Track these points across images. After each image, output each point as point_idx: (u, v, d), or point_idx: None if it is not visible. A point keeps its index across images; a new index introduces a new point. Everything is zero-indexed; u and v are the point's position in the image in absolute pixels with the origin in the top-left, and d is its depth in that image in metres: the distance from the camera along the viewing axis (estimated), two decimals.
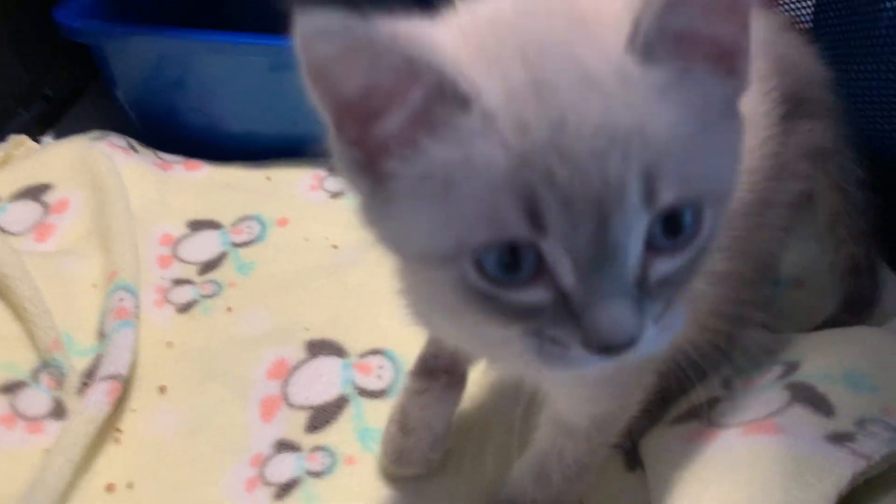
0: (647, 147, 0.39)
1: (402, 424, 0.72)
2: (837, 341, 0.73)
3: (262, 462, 0.74)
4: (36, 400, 0.77)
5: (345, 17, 0.38)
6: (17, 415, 0.75)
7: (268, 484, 0.72)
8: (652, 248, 0.41)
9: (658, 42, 0.40)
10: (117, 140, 1.12)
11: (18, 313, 0.81)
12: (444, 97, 0.40)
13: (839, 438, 0.62)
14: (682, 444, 0.68)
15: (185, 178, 1.15)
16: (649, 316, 0.42)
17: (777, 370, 0.72)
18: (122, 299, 0.85)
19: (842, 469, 0.58)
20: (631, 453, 0.75)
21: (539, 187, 0.39)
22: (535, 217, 0.39)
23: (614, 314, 0.40)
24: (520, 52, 0.41)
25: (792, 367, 0.71)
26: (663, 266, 0.42)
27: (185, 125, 1.22)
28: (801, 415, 0.65)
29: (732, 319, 0.68)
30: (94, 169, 1.03)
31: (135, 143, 1.15)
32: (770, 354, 0.75)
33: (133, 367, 0.81)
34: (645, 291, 0.41)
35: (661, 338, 0.43)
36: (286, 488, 0.72)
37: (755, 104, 0.61)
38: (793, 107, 0.67)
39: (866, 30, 0.94)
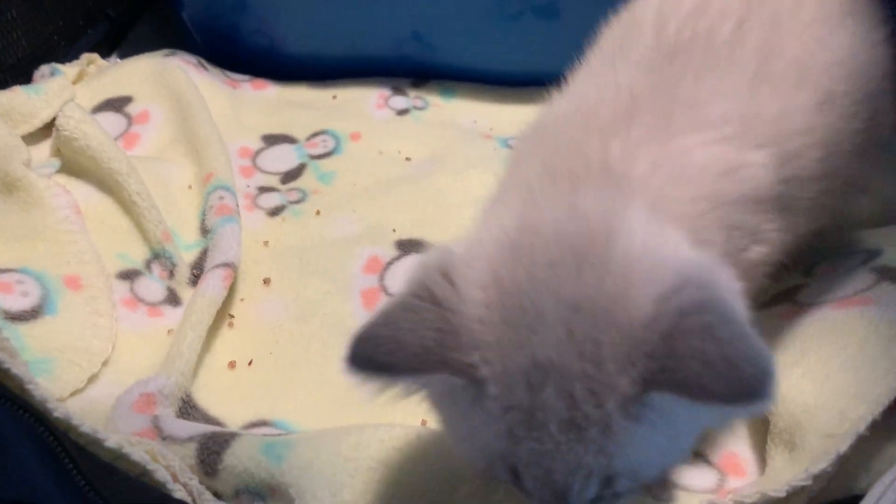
0: (611, 470, 0.45)
1: None
2: None
3: None
4: (151, 287, 0.81)
5: None
6: (137, 298, 0.79)
7: None
8: None
9: (657, 408, 0.44)
10: (188, 57, 1.14)
11: (127, 207, 0.84)
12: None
13: None
14: (773, 321, 0.71)
15: (254, 96, 1.18)
16: None
17: (859, 257, 0.76)
18: (221, 197, 0.88)
19: None
20: None
21: (522, 472, 0.46)
22: (518, 481, 0.47)
23: None
24: (528, 331, 0.45)
25: (873, 254, 0.75)
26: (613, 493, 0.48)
27: (249, 47, 1.24)
28: (890, 290, 0.68)
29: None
30: (171, 82, 1.06)
31: (204, 61, 1.17)
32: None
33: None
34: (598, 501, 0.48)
35: None
36: None
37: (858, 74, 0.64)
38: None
39: None
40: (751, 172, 0.57)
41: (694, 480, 0.64)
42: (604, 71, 0.63)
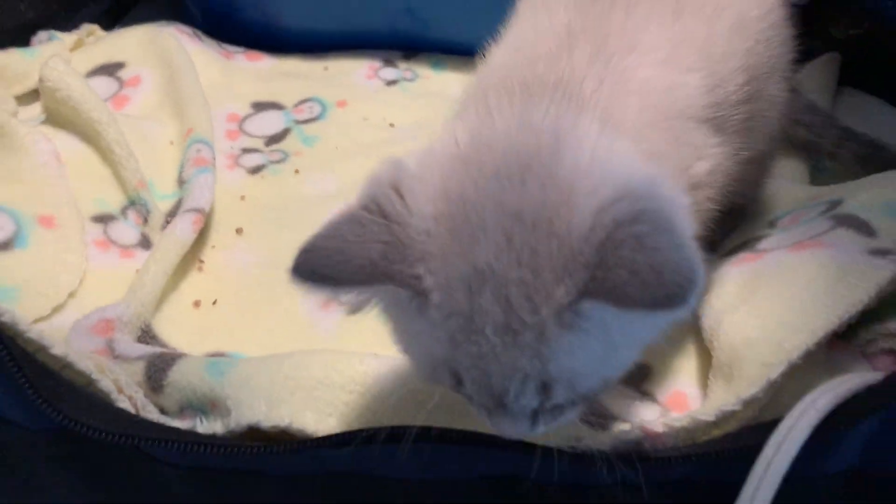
0: (546, 376, 0.47)
1: None
2: (876, 180, 0.77)
3: None
4: (125, 231, 0.83)
5: None
6: (110, 240, 0.81)
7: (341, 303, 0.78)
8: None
9: (589, 316, 0.45)
10: (184, 27, 1.17)
11: (106, 156, 0.87)
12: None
13: (881, 252, 0.65)
14: (729, 268, 0.72)
15: (248, 66, 1.20)
16: (540, 425, 0.51)
17: (820, 207, 0.76)
18: (199, 150, 0.90)
19: (883, 272, 0.62)
20: None
21: (464, 377, 0.48)
22: (460, 386, 0.49)
23: (508, 429, 0.50)
24: (470, 240, 0.46)
25: (834, 204, 0.75)
26: (559, 404, 0.49)
27: (246, 21, 1.26)
28: (844, 235, 0.68)
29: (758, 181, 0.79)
30: (163, 48, 1.08)
31: (199, 32, 1.20)
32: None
33: (211, 209, 0.86)
34: (539, 414, 0.50)
35: (553, 427, 0.52)
36: (357, 308, 0.77)
37: (762, 6, 0.68)
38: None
39: None
40: (687, 91, 0.60)
41: (636, 415, 0.65)
42: (538, 14, 0.65)
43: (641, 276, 0.42)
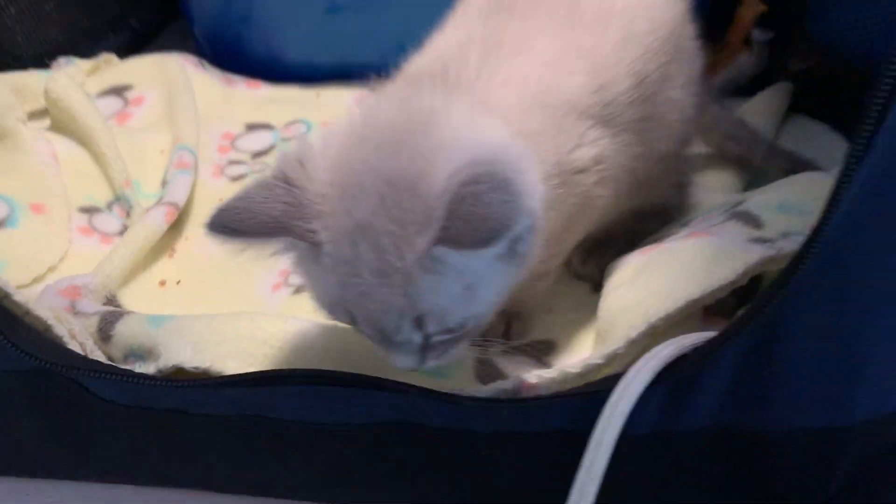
0: (417, 311, 0.56)
1: None
2: (780, 184, 0.83)
3: (287, 274, 0.89)
4: (109, 222, 0.94)
5: None
6: (93, 228, 0.92)
7: (289, 286, 0.87)
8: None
9: (443, 261, 0.55)
10: (190, 57, 1.30)
11: (98, 158, 0.98)
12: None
13: (762, 240, 0.71)
14: (631, 256, 0.79)
15: (247, 93, 1.32)
16: (430, 359, 0.61)
17: (725, 207, 0.83)
18: (182, 156, 1.01)
19: (753, 254, 0.68)
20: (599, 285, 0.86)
21: (355, 314, 0.58)
22: (355, 322, 0.59)
23: (400, 362, 0.61)
24: (353, 200, 0.56)
25: (736, 204, 0.82)
26: (439, 339, 0.60)
27: (251, 56, 1.39)
28: (733, 226, 0.75)
29: (670, 182, 0.88)
30: (166, 72, 1.21)
31: (204, 62, 1.33)
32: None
33: (190, 204, 0.97)
34: (427, 349, 0.60)
35: (442, 362, 0.62)
36: (301, 289, 0.86)
37: (652, 21, 0.77)
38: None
39: None
40: (570, 88, 0.68)
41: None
42: (451, 25, 0.76)
43: (473, 224, 0.52)
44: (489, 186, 0.53)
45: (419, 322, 0.58)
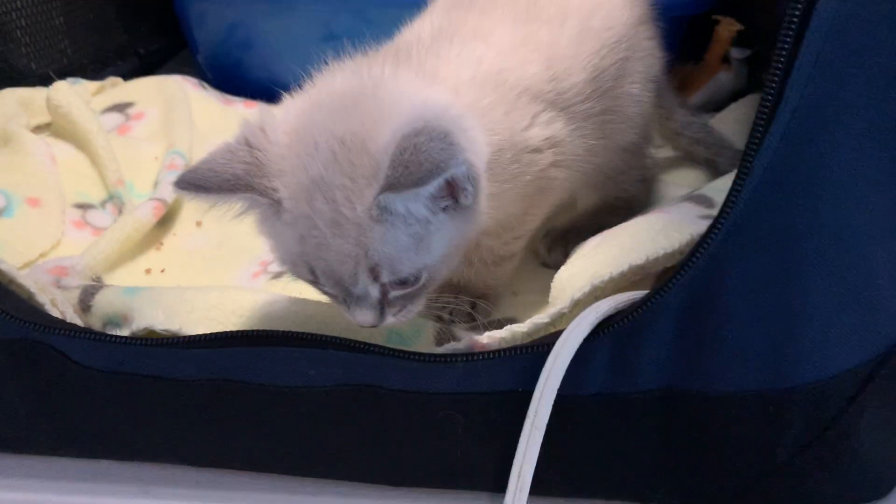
0: (371, 259, 0.61)
1: None
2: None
3: (267, 264, 0.93)
4: (101, 217, 0.99)
5: None
6: (86, 222, 0.97)
7: (268, 273, 0.91)
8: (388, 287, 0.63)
9: (390, 209, 0.60)
10: (191, 78, 1.37)
11: (94, 160, 1.04)
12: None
13: (710, 217, 0.75)
14: (592, 239, 0.82)
15: (244, 111, 1.38)
16: (388, 315, 0.65)
17: (685, 195, 0.87)
18: (173, 159, 1.07)
19: (699, 226, 0.72)
20: None
21: (314, 268, 0.62)
22: (315, 279, 0.64)
23: (360, 317, 0.64)
24: (308, 158, 0.61)
25: (694, 190, 0.86)
26: (396, 294, 0.64)
27: (252, 81, 1.46)
28: (685, 206, 0.79)
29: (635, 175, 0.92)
30: (166, 90, 1.28)
31: (205, 83, 1.40)
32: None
33: (179, 204, 1.02)
34: (385, 305, 0.64)
35: (401, 319, 0.67)
36: (279, 274, 0.90)
37: (607, 19, 0.82)
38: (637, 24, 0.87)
39: None
40: (525, 74, 0.73)
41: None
42: (417, 19, 0.82)
43: (411, 168, 0.56)
44: (428, 137, 0.57)
45: (374, 273, 0.61)
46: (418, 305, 0.67)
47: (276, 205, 0.62)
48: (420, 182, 0.56)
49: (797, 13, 0.52)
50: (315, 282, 0.65)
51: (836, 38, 0.53)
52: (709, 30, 1.39)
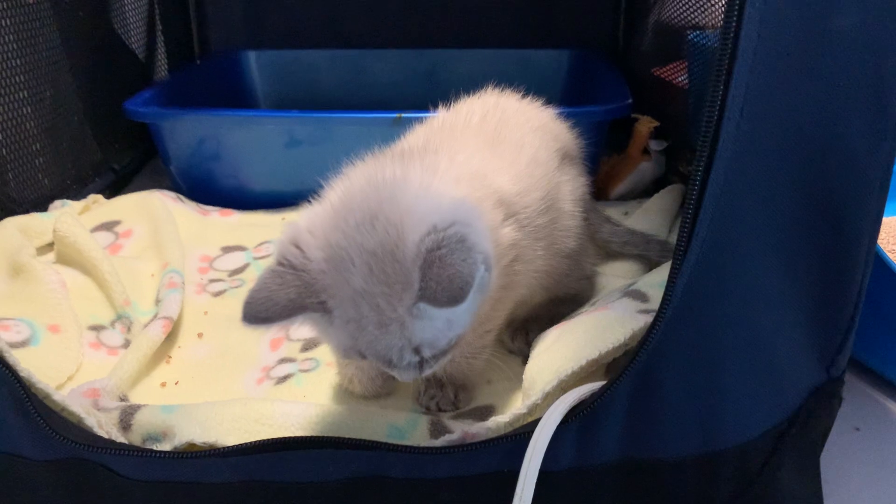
0: (413, 343, 0.74)
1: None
2: (663, 268, 1.04)
3: (268, 369, 1.06)
4: (113, 337, 1.10)
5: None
6: (101, 343, 1.08)
7: (271, 378, 1.04)
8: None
9: (425, 309, 0.73)
10: (169, 193, 1.50)
11: (101, 284, 1.15)
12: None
13: (646, 311, 0.91)
14: (551, 330, 0.97)
15: (220, 220, 1.51)
16: (426, 369, 0.78)
17: (623, 288, 1.03)
18: (171, 277, 1.19)
19: (639, 322, 0.87)
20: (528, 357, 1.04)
21: (365, 353, 0.76)
22: (366, 358, 0.77)
23: (405, 377, 0.78)
24: (348, 274, 0.74)
25: (631, 284, 1.02)
26: (432, 355, 0.77)
27: (222, 188, 1.60)
28: (625, 301, 0.94)
29: (578, 275, 1.09)
30: (150, 207, 1.40)
31: (182, 196, 1.52)
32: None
33: (180, 318, 1.14)
34: (423, 363, 0.77)
35: (435, 369, 0.79)
36: (283, 380, 1.03)
37: (547, 153, 1.01)
38: (563, 158, 1.07)
39: None
40: (498, 181, 0.89)
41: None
42: (415, 135, 0.99)
43: (442, 285, 0.71)
44: (449, 250, 0.72)
45: (417, 351, 0.76)
46: (448, 357, 0.80)
47: (328, 314, 0.75)
48: (456, 301, 0.71)
49: (705, 152, 0.67)
50: (365, 359, 0.78)
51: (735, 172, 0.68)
52: (629, 126, 1.59)
